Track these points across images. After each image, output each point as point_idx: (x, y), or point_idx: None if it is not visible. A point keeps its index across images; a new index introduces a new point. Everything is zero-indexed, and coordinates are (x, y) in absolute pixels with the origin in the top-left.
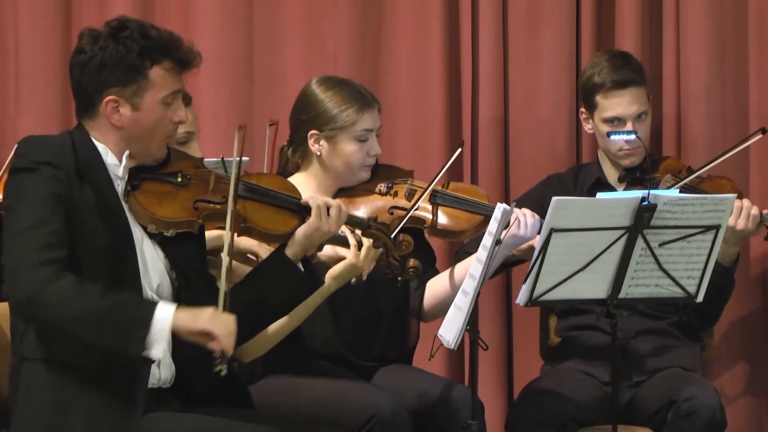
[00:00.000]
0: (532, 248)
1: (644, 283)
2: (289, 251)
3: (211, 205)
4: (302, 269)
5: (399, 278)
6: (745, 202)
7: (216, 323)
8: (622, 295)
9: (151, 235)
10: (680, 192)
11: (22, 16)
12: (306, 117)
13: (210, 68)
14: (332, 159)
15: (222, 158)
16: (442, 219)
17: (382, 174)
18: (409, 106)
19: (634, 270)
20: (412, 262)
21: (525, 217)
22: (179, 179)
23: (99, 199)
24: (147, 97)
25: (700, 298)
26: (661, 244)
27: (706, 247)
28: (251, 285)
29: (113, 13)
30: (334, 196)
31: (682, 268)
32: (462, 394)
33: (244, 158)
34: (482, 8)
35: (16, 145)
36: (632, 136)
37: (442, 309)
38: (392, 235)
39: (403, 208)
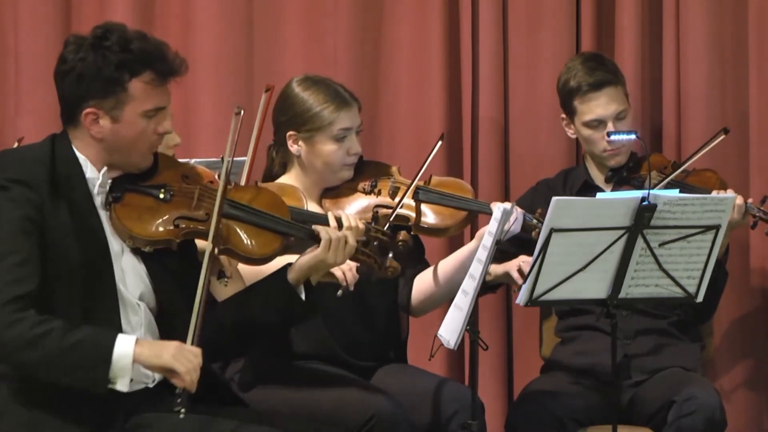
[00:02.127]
0: (507, 273)
1: (644, 283)
2: (291, 276)
3: (192, 223)
4: (303, 295)
5: (390, 254)
6: (730, 192)
7: (179, 359)
8: (622, 295)
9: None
10: (667, 187)
11: (22, 16)
12: (285, 118)
13: (210, 68)
14: (311, 159)
15: (222, 158)
16: (427, 216)
17: (367, 171)
18: (409, 106)
19: (634, 270)
20: (401, 235)
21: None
22: (162, 195)
23: (75, 214)
24: (127, 110)
25: (700, 298)
26: (661, 244)
27: (706, 247)
28: (245, 304)
29: (113, 14)
30: (321, 197)
31: (682, 268)
32: (462, 394)
33: (242, 158)
34: (482, 9)
35: None
36: (632, 136)
37: (429, 304)
38: (392, 235)
39: (387, 206)
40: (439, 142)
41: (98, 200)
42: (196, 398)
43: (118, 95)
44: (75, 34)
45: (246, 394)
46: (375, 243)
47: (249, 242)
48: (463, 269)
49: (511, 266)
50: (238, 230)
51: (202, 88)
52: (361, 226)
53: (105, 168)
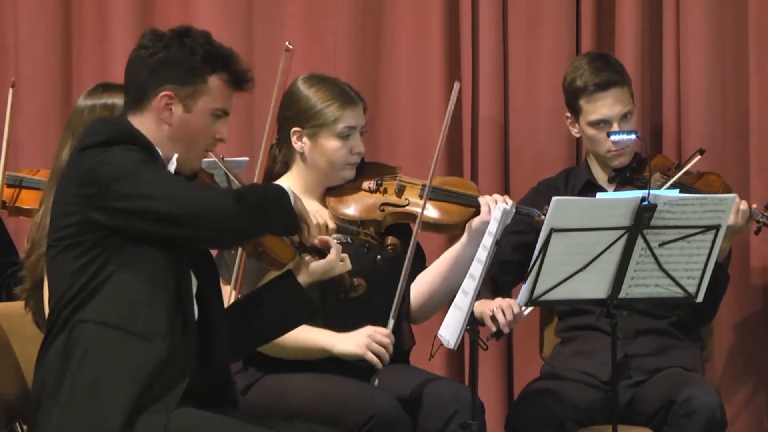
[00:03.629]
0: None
1: (644, 283)
2: (303, 279)
3: None
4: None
5: (378, 257)
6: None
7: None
8: (622, 295)
9: None
10: (671, 188)
11: (22, 16)
12: (289, 114)
13: None
14: (314, 157)
15: (222, 158)
16: (434, 213)
17: (369, 171)
18: (409, 106)
19: (634, 270)
20: (390, 239)
21: (495, 203)
22: None
23: None
24: (200, 102)
25: (700, 298)
26: (661, 244)
27: (706, 247)
28: (258, 306)
29: (113, 14)
30: (323, 196)
31: (682, 268)
32: (462, 394)
33: (243, 158)
34: (482, 8)
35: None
36: (632, 136)
37: (429, 307)
38: (380, 240)
39: (394, 205)
40: (457, 86)
41: None
42: (197, 396)
43: (197, 85)
44: (152, 28)
45: (246, 394)
46: (364, 247)
47: (278, 248)
48: (457, 264)
49: (486, 313)
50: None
51: None
52: (332, 225)
53: (174, 160)
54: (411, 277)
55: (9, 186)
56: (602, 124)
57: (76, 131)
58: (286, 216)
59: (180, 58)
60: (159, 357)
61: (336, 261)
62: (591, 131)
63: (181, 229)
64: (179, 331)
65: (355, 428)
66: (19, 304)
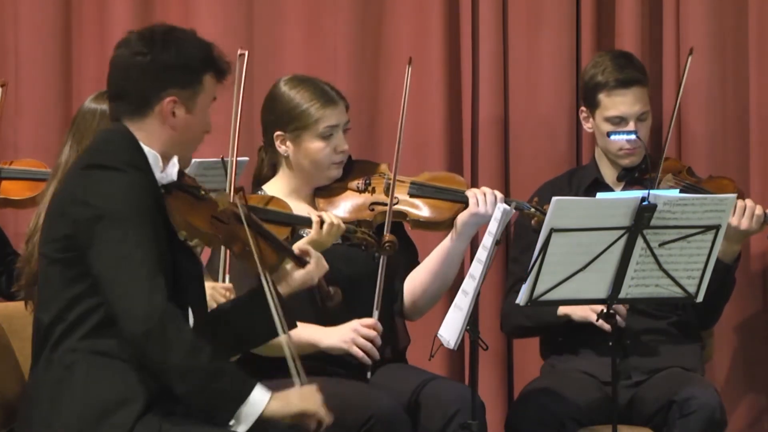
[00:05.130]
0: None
1: (644, 283)
2: (283, 290)
3: (222, 223)
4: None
5: (376, 254)
6: (748, 202)
7: (307, 401)
8: (622, 295)
9: None
10: (682, 192)
11: (22, 16)
12: (272, 118)
13: None
14: (299, 159)
15: (222, 158)
16: (424, 211)
17: (357, 170)
18: (409, 106)
19: (634, 270)
20: (387, 237)
21: (484, 195)
22: (202, 192)
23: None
24: (199, 102)
25: (700, 298)
26: (661, 244)
27: (706, 247)
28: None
29: (113, 14)
30: (312, 197)
31: (682, 268)
32: (462, 394)
33: (244, 158)
34: (482, 9)
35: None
36: (632, 136)
37: (422, 303)
38: (380, 237)
39: (383, 204)
40: (408, 68)
41: None
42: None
43: (195, 86)
44: (134, 30)
45: None
46: (362, 246)
47: (266, 249)
48: (448, 259)
49: (590, 313)
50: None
51: None
52: (342, 226)
53: (175, 161)
54: (404, 274)
55: None
56: (619, 120)
57: (84, 135)
58: (217, 411)
59: (182, 61)
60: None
61: (315, 271)
62: (606, 127)
63: (107, 298)
64: None
65: (354, 428)
66: (19, 304)
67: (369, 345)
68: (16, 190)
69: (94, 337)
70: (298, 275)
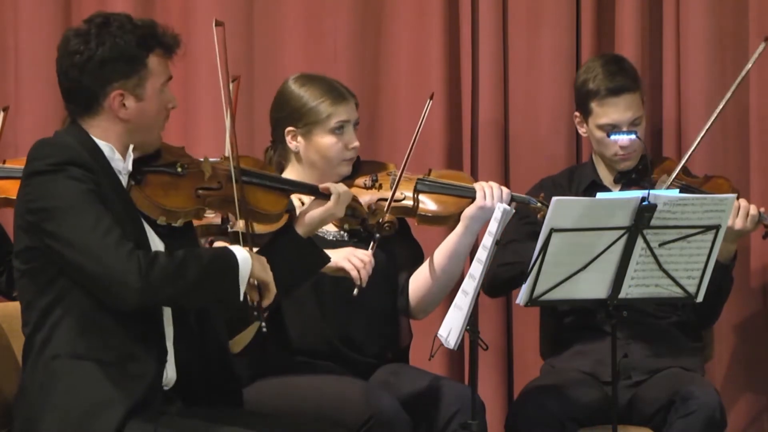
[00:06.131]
0: None
1: (644, 283)
2: (302, 231)
3: (212, 191)
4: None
5: (377, 235)
6: (743, 202)
7: (266, 271)
8: (622, 295)
9: (155, 230)
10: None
11: (22, 16)
12: (282, 114)
13: (209, 68)
14: (310, 154)
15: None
16: (430, 205)
17: (364, 169)
18: (410, 105)
19: (634, 270)
20: (387, 216)
21: (491, 189)
22: (179, 169)
23: (112, 201)
24: (148, 87)
25: (700, 298)
26: (661, 244)
27: (706, 247)
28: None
29: None
30: None
31: (682, 268)
32: (462, 394)
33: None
34: (482, 9)
35: (30, 151)
36: (632, 136)
37: (428, 301)
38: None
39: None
40: (429, 101)
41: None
42: (197, 396)
43: (140, 73)
44: (71, 28)
45: (245, 391)
46: (361, 229)
47: (265, 202)
48: (454, 256)
49: None
50: (252, 192)
51: (201, 88)
52: (350, 192)
53: (132, 146)
54: (409, 271)
55: None
56: (611, 128)
57: None
58: (227, 291)
59: (117, 52)
60: (139, 379)
61: (335, 208)
62: (599, 134)
63: (91, 283)
64: (156, 343)
65: (354, 428)
66: (19, 305)
67: (361, 264)
68: (16, 190)
69: (72, 341)
70: (316, 213)
